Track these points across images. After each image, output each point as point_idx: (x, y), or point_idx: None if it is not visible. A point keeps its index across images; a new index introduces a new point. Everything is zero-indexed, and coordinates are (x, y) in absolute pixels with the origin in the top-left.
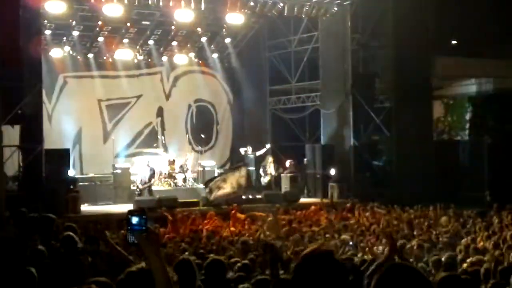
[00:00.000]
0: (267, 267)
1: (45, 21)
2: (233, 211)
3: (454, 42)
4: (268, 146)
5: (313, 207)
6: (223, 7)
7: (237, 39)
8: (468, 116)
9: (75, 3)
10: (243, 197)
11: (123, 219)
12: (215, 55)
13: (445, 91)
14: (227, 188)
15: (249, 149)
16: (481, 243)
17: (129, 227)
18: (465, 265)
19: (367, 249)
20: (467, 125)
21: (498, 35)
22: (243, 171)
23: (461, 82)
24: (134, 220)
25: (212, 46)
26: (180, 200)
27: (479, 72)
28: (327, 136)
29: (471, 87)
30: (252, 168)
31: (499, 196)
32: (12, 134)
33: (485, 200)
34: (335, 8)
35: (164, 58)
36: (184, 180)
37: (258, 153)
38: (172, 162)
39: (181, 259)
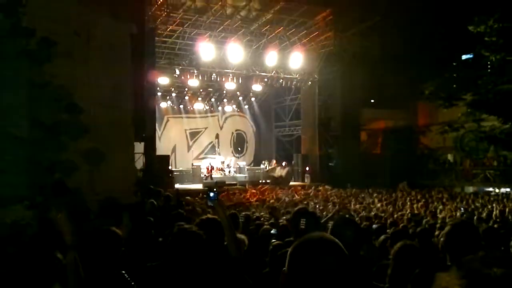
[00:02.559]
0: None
1: (158, 87)
2: (264, 188)
3: (372, 100)
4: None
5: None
6: (251, 81)
7: (258, 97)
8: (380, 140)
9: (173, 78)
10: (261, 181)
11: (201, 192)
12: (246, 106)
13: (367, 127)
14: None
15: (266, 163)
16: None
17: (208, 197)
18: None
19: (329, 207)
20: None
21: (394, 96)
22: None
23: (375, 122)
24: (211, 193)
25: (244, 101)
26: (226, 182)
27: (385, 117)
28: (305, 150)
29: (381, 124)
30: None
31: (395, 181)
32: (140, 146)
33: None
34: (309, 82)
35: (220, 108)
36: (229, 172)
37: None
38: (222, 163)
39: (231, 213)
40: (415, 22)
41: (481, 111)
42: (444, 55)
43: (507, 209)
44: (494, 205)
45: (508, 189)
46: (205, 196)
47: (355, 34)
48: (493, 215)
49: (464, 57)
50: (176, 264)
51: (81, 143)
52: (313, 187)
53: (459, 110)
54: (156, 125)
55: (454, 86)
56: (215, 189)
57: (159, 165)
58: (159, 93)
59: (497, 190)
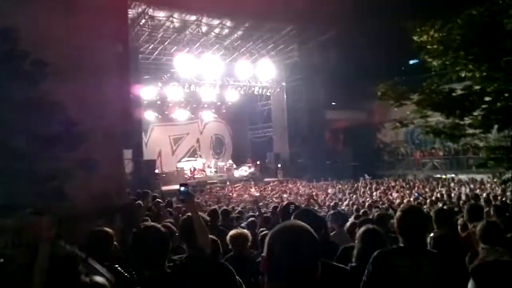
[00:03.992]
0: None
1: (143, 99)
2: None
3: (333, 103)
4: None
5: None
6: (226, 90)
7: (233, 104)
8: (342, 138)
9: (156, 90)
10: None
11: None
12: (223, 112)
13: (330, 126)
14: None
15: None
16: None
17: (179, 192)
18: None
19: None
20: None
21: (353, 98)
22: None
23: (337, 122)
24: (182, 188)
25: (221, 108)
26: (208, 181)
27: (346, 117)
28: (276, 149)
29: (343, 123)
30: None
31: (357, 173)
32: (128, 153)
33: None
34: (278, 89)
35: (199, 114)
36: (210, 172)
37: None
38: (203, 164)
39: (211, 209)
40: (368, 33)
41: (427, 108)
42: (394, 61)
43: (453, 192)
44: (442, 189)
45: (453, 175)
46: (178, 191)
47: (315, 45)
48: (442, 197)
49: (411, 62)
50: (139, 257)
51: (76, 153)
52: (284, 183)
53: (408, 109)
54: (142, 133)
55: (403, 87)
56: (186, 185)
57: (146, 169)
58: (144, 105)
59: (444, 176)
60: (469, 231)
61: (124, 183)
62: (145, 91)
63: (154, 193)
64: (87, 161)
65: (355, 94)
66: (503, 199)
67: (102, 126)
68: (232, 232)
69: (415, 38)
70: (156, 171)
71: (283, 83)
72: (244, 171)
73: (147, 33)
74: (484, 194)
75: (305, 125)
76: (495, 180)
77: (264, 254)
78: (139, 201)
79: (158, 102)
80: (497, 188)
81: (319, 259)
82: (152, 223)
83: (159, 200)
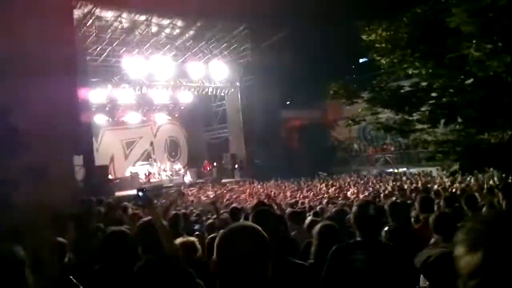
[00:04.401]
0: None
1: (92, 103)
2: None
3: (288, 102)
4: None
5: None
6: (179, 91)
7: (187, 106)
8: (297, 136)
9: (106, 93)
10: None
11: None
12: (176, 114)
13: (286, 125)
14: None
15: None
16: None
17: (138, 197)
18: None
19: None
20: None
21: (306, 97)
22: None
23: (292, 121)
24: (140, 193)
25: (175, 110)
26: (164, 185)
27: (300, 115)
28: (233, 150)
29: (297, 122)
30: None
31: (313, 171)
32: (79, 159)
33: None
34: (232, 90)
35: (152, 117)
36: (166, 176)
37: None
38: (159, 168)
39: (173, 214)
40: (321, 33)
41: (377, 105)
42: (345, 60)
43: (405, 185)
44: (395, 183)
45: (405, 169)
46: (137, 196)
47: (268, 45)
48: (395, 191)
49: (361, 60)
50: (110, 263)
51: (22, 160)
52: (241, 183)
53: (360, 106)
54: (93, 138)
55: (355, 86)
56: (144, 189)
57: (98, 175)
58: (93, 108)
59: (395, 170)
60: (421, 222)
61: (76, 190)
62: (94, 94)
63: (108, 200)
64: (34, 168)
65: (308, 93)
66: (452, 190)
67: (49, 132)
68: (178, 240)
69: (363, 37)
70: (109, 176)
71: (237, 83)
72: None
73: (94, 34)
74: (435, 187)
75: (261, 124)
76: (444, 172)
77: (213, 256)
78: (92, 209)
79: (109, 106)
80: (446, 180)
81: (269, 258)
82: (120, 228)
83: (114, 205)
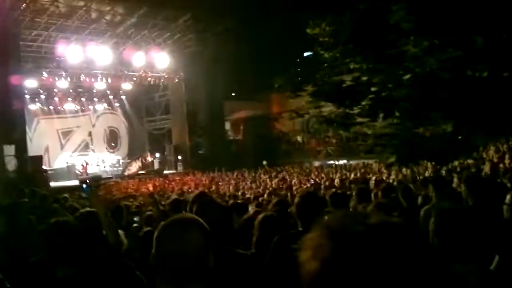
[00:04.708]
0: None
1: (25, 90)
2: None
3: (233, 94)
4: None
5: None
6: (120, 80)
7: (128, 95)
8: (242, 128)
9: (41, 81)
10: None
11: (77, 186)
12: (117, 104)
13: (230, 117)
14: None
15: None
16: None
17: (81, 189)
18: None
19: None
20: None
21: (251, 89)
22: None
23: (237, 112)
24: (84, 185)
25: (115, 100)
26: (103, 177)
27: (245, 107)
28: (176, 141)
29: (242, 114)
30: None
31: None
32: (11, 149)
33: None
34: (176, 80)
35: (91, 107)
36: (104, 167)
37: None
38: (98, 159)
39: (116, 205)
40: (266, 25)
41: (320, 99)
42: (290, 53)
43: (344, 177)
44: (336, 174)
45: (345, 161)
46: (80, 188)
47: (212, 36)
48: (335, 183)
49: (305, 54)
50: (54, 256)
51: None
52: (183, 175)
53: (304, 99)
54: (27, 127)
55: (299, 79)
56: (87, 181)
57: (32, 166)
58: (27, 96)
59: (337, 163)
60: None
61: (6, 181)
62: (28, 82)
63: (42, 191)
64: None
65: (253, 85)
66: (390, 181)
67: None
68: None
69: (308, 30)
70: (44, 167)
71: (182, 73)
72: (134, 167)
73: (29, 18)
74: (373, 178)
75: (205, 115)
76: (381, 164)
77: (153, 250)
78: (24, 200)
79: (44, 94)
80: (384, 171)
81: (211, 249)
82: (64, 218)
83: (48, 196)
